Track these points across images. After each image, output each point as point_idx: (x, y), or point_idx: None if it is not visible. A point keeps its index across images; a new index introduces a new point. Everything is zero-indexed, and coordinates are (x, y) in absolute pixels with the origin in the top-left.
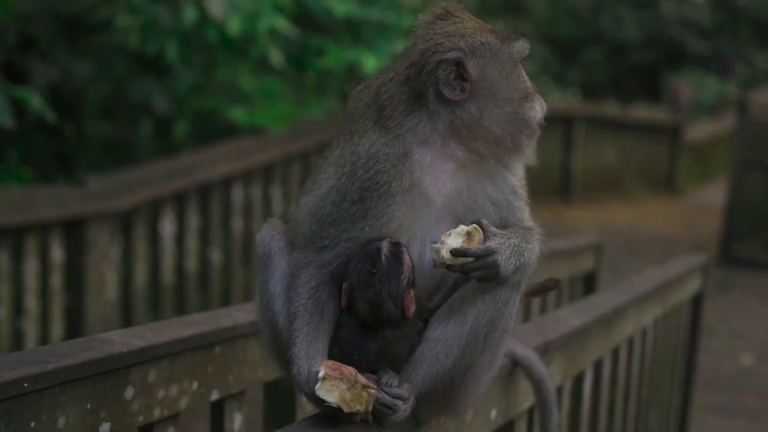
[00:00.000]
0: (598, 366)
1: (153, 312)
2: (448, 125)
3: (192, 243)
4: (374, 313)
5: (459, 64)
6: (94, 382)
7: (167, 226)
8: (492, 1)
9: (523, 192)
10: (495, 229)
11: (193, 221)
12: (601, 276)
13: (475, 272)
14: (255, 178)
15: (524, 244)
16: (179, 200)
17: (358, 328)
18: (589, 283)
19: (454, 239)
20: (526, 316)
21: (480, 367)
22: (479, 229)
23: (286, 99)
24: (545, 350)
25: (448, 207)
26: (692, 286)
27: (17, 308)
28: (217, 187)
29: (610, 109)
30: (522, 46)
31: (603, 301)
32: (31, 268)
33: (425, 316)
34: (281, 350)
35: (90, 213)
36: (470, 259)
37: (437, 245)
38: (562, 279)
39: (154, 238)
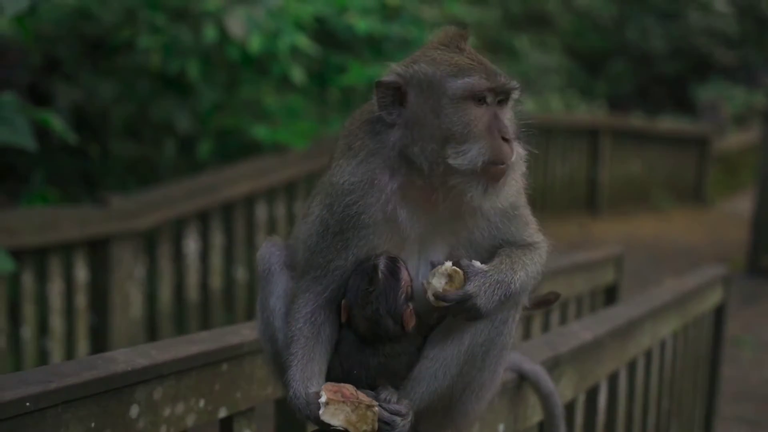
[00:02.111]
0: (613, 379)
1: (178, 330)
2: (400, 151)
3: (216, 261)
4: (373, 329)
5: (396, 88)
6: (98, 400)
7: (191, 245)
8: (516, 15)
9: (521, 207)
10: (476, 267)
11: (217, 239)
12: (623, 288)
13: (457, 314)
14: (278, 196)
15: (511, 275)
16: (203, 219)
17: (358, 343)
18: (610, 296)
19: (437, 280)
20: (545, 330)
21: (480, 385)
22: (458, 271)
23: (308, 116)
24: (555, 364)
25: (428, 236)
26: (714, 297)
27: (42, 328)
28: (240, 205)
29: (636, 120)
30: (468, 84)
31: (618, 313)
32: (55, 288)
33: (425, 333)
34: (282, 368)
35: (113, 232)
36: (449, 303)
37: (425, 282)
38: (582, 292)
39: (178, 256)
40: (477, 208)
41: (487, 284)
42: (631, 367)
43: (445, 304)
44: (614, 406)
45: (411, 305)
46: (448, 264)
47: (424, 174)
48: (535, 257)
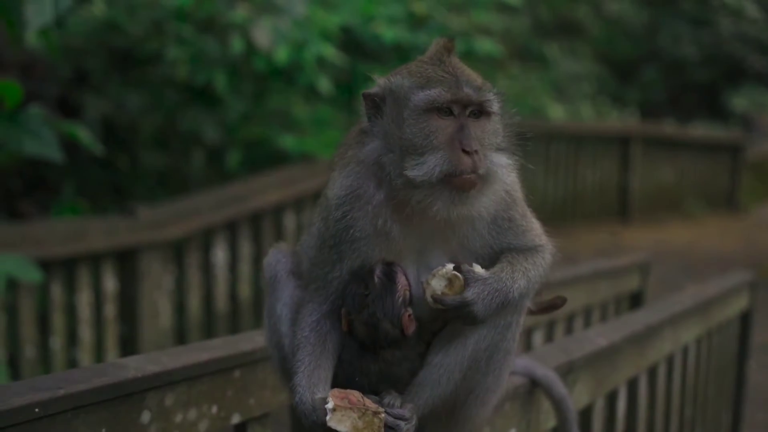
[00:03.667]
0: (632, 385)
1: (207, 339)
2: (380, 161)
3: (245, 270)
4: (372, 334)
5: (373, 99)
6: (108, 406)
7: (219, 254)
8: (545, 22)
9: (517, 219)
10: (476, 274)
11: (246, 249)
12: (654, 295)
13: (454, 319)
14: (306, 205)
15: (510, 283)
16: (231, 228)
17: (359, 350)
18: (635, 303)
19: (437, 282)
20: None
21: (484, 390)
22: (458, 277)
23: (337, 125)
24: (569, 369)
25: (424, 246)
26: (739, 303)
27: (71, 338)
28: (268, 214)
29: (668, 128)
30: (429, 96)
31: (635, 320)
32: (84, 298)
33: (428, 339)
34: (288, 373)
35: (141, 243)
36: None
37: (425, 282)
38: (607, 299)
39: (207, 266)
40: (452, 220)
41: (486, 292)
42: (652, 373)
43: (442, 307)
44: (634, 413)
45: (410, 310)
46: (449, 267)
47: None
48: (538, 261)
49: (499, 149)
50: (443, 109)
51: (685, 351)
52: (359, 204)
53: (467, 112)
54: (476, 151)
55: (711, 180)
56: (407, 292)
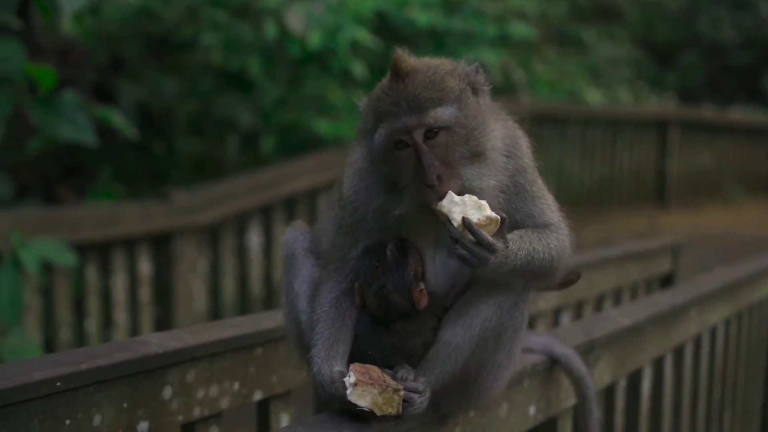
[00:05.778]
0: (658, 365)
1: None
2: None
3: (279, 254)
4: (383, 307)
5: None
6: (130, 381)
7: (254, 239)
8: (583, 7)
9: (525, 184)
10: (510, 236)
11: (280, 233)
12: (683, 278)
13: (461, 250)
14: None
15: (524, 255)
16: (265, 213)
17: (372, 324)
18: (666, 286)
19: (474, 212)
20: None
21: (496, 366)
22: (499, 223)
23: None
24: (590, 348)
25: (436, 229)
26: None
27: (106, 321)
28: (302, 199)
29: (707, 112)
30: (377, 137)
31: (660, 300)
32: (119, 282)
33: (440, 313)
34: (305, 350)
35: (176, 227)
36: (470, 237)
37: (456, 198)
38: (637, 281)
39: (241, 250)
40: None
41: (504, 254)
42: (678, 353)
43: (467, 235)
44: (660, 393)
45: (422, 285)
46: (488, 208)
47: None
48: (552, 243)
49: (474, 154)
50: (395, 144)
51: (713, 332)
52: (365, 201)
53: (421, 137)
54: (439, 177)
55: (750, 164)
56: (419, 267)
